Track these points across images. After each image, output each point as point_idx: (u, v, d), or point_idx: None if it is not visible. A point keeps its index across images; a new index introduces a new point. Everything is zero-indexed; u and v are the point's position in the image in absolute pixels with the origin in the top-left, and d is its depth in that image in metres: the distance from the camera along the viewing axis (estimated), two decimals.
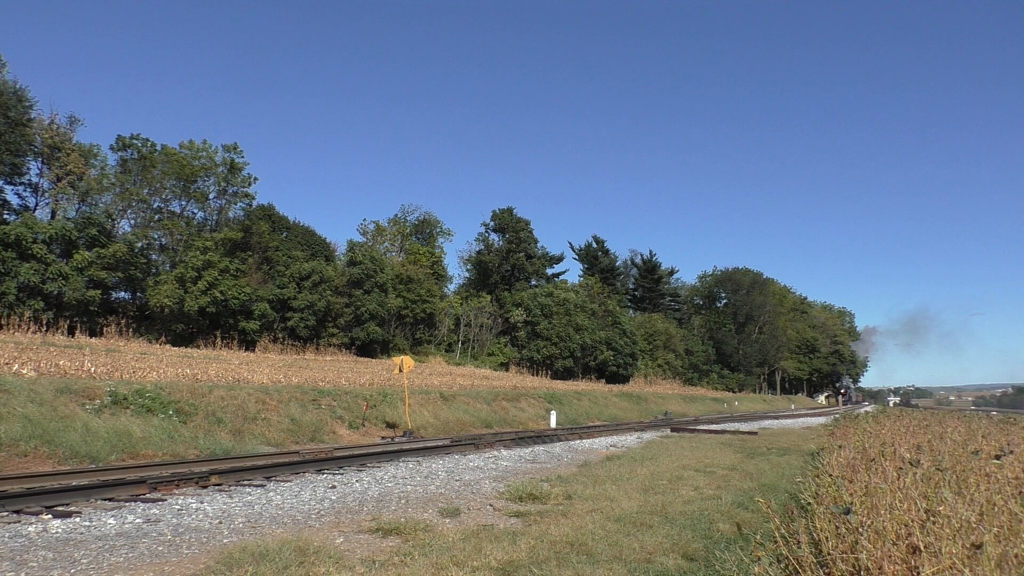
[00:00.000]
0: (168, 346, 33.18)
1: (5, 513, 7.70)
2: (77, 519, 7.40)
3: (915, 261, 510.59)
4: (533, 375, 54.12)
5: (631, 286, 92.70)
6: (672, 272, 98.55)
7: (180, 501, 8.64)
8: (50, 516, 7.55)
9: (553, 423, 28.78)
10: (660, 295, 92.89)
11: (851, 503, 4.75)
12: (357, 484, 10.36)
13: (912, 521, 4.00)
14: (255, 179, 44.85)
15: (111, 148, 39.99)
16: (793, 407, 77.44)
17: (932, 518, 3.94)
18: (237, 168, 43.57)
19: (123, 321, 34.79)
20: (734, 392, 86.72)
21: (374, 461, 13.30)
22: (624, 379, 64.48)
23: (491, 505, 8.73)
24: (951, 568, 3.37)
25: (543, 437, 19.80)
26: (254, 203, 46.27)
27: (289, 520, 7.67)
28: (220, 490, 9.68)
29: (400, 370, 21.44)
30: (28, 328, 28.47)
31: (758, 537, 4.65)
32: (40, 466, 11.83)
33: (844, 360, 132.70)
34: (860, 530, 4.04)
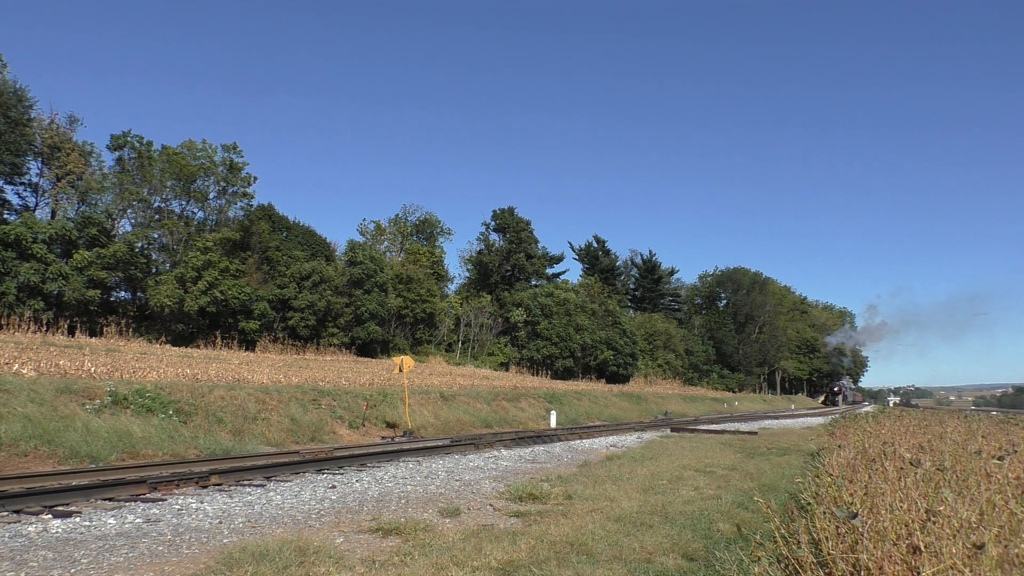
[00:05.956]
0: (168, 346, 33.17)
1: (5, 513, 7.70)
2: (77, 519, 7.40)
3: (916, 261, 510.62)
4: (533, 375, 54.10)
5: (631, 286, 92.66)
6: (672, 272, 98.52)
7: (180, 501, 8.63)
8: (50, 516, 7.54)
9: (553, 423, 28.77)
10: (660, 295, 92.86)
11: (852, 503, 4.74)
12: (357, 484, 10.36)
13: (912, 521, 4.00)
14: (255, 179, 44.87)
15: (107, 147, 40.01)
16: (793, 407, 77.42)
17: (932, 518, 3.93)
18: (237, 168, 43.56)
19: (123, 321, 34.79)
20: (734, 392, 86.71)
21: (374, 461, 13.30)
22: (624, 379, 64.47)
23: (491, 505, 8.73)
24: (952, 568, 3.36)
25: (543, 437, 19.79)
26: (254, 203, 46.31)
27: (289, 520, 7.67)
28: (220, 490, 9.68)
29: (400, 370, 21.43)
30: (28, 328, 28.46)
31: (758, 537, 4.65)
32: (40, 466, 11.83)
33: (845, 358, 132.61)
34: (861, 530, 4.03)
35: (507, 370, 54.84)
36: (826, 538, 4.32)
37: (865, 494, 5.06)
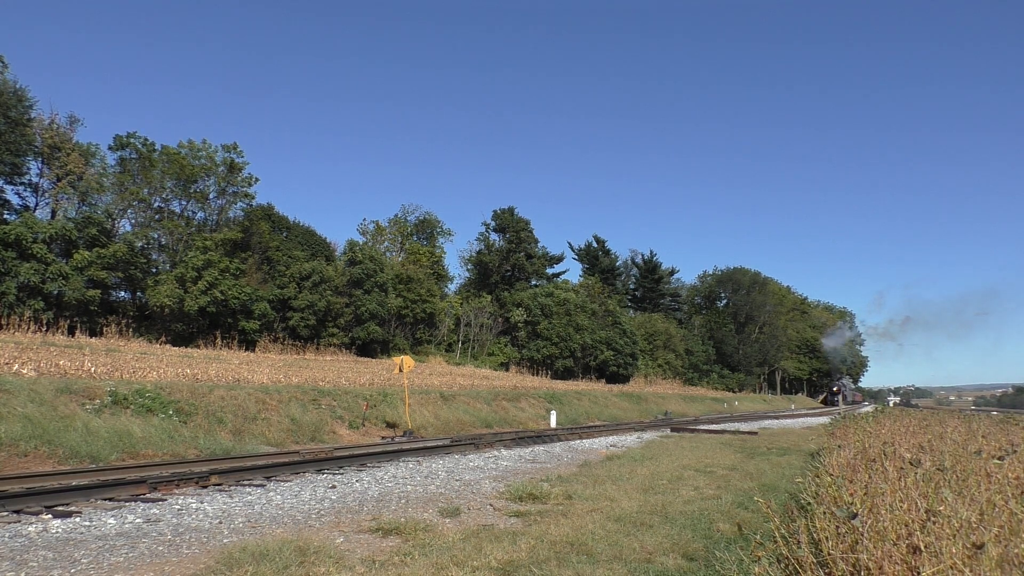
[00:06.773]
0: (168, 346, 33.16)
1: (5, 513, 7.70)
2: (77, 519, 7.40)
3: (917, 261, 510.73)
4: (533, 375, 54.09)
5: (631, 286, 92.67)
6: (672, 272, 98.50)
7: (180, 501, 8.63)
8: (50, 516, 7.55)
9: (553, 423, 28.77)
10: (660, 295, 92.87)
11: (852, 503, 4.74)
12: (357, 484, 10.36)
13: (912, 521, 3.99)
14: (255, 179, 44.85)
15: (109, 148, 40.02)
16: (793, 407, 77.43)
17: (932, 518, 3.93)
18: (237, 168, 43.54)
19: (123, 321, 34.76)
20: (734, 392, 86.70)
21: (374, 461, 13.30)
22: (624, 379, 64.46)
23: (491, 505, 8.73)
24: (952, 568, 3.36)
25: (543, 437, 19.79)
26: (254, 203, 46.29)
27: (289, 520, 7.67)
28: (220, 490, 9.68)
29: (400, 370, 21.43)
30: (28, 328, 28.44)
31: (758, 537, 4.65)
32: (40, 466, 11.83)
33: (845, 360, 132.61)
34: (861, 530, 4.03)
35: (507, 370, 54.83)
36: (826, 538, 4.32)
37: (865, 494, 5.06)
